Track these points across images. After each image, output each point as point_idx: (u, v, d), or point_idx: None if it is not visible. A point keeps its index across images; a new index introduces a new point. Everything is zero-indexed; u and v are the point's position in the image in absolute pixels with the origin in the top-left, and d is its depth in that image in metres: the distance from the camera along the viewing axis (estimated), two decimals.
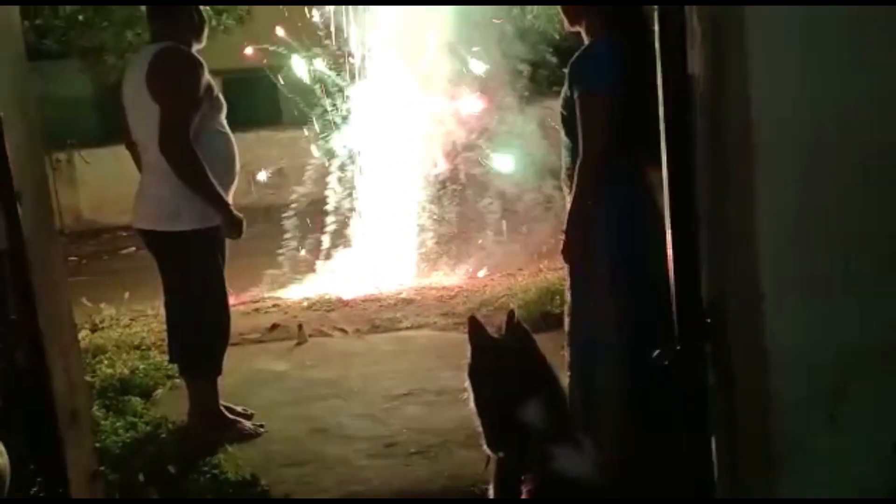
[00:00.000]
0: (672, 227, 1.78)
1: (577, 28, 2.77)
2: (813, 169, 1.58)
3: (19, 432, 2.27)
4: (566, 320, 2.82)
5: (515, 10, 6.98)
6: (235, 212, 3.40)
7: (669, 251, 1.80)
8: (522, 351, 2.23)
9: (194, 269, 3.42)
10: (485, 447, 2.23)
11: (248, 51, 7.58)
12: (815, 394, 1.63)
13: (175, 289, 3.51)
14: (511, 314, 2.30)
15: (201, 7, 3.54)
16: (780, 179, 1.58)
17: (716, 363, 1.83)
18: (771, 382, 1.64)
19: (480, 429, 2.23)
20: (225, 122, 3.46)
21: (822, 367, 1.62)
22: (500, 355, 2.23)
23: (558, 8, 2.92)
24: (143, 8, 3.64)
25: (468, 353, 2.27)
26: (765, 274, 1.62)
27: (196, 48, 3.43)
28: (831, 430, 1.64)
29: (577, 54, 2.69)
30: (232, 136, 3.48)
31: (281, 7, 7.43)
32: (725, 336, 1.80)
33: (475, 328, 2.27)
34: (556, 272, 5.26)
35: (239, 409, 3.72)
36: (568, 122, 2.70)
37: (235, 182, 3.49)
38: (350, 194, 6.90)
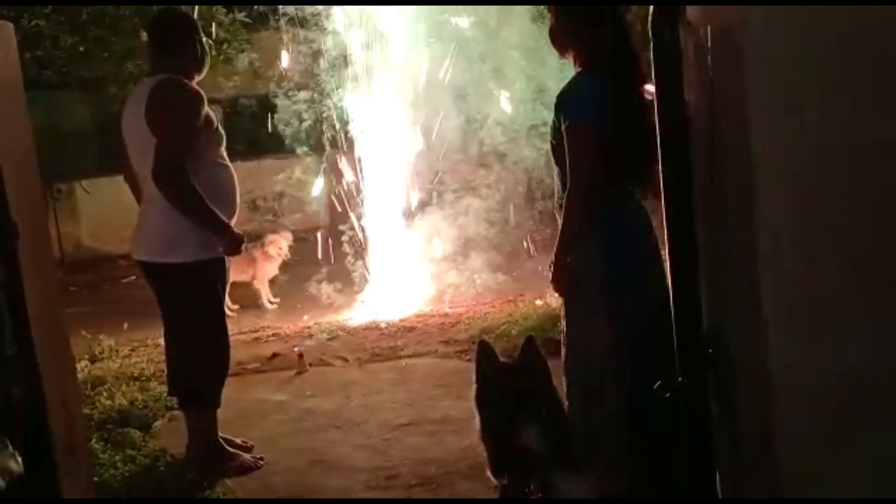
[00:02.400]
0: (670, 254, 1.77)
1: (567, 58, 2.80)
2: (814, 192, 1.57)
3: None
4: (563, 350, 2.80)
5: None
6: (236, 231, 3.41)
7: (668, 279, 1.78)
8: (530, 377, 2.21)
9: (193, 301, 3.40)
10: (489, 473, 2.21)
11: None
12: (820, 421, 1.60)
13: (174, 320, 3.49)
14: (530, 339, 2.28)
15: (203, 39, 3.56)
16: (780, 203, 1.57)
17: (718, 393, 1.81)
18: (775, 410, 1.62)
19: (485, 455, 2.21)
20: (225, 154, 3.46)
21: (828, 393, 1.60)
22: (507, 381, 2.20)
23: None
24: (145, 39, 3.64)
25: (474, 378, 2.24)
26: (766, 300, 1.60)
27: (197, 80, 3.44)
28: (837, 457, 1.61)
29: (565, 86, 2.72)
30: (232, 167, 3.48)
31: (283, 37, 7.47)
32: (728, 364, 1.77)
33: (484, 353, 2.24)
34: (558, 298, 5.24)
35: (238, 441, 3.68)
36: (557, 152, 2.72)
37: (236, 213, 3.49)
38: (350, 221, 6.92)
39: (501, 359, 2.32)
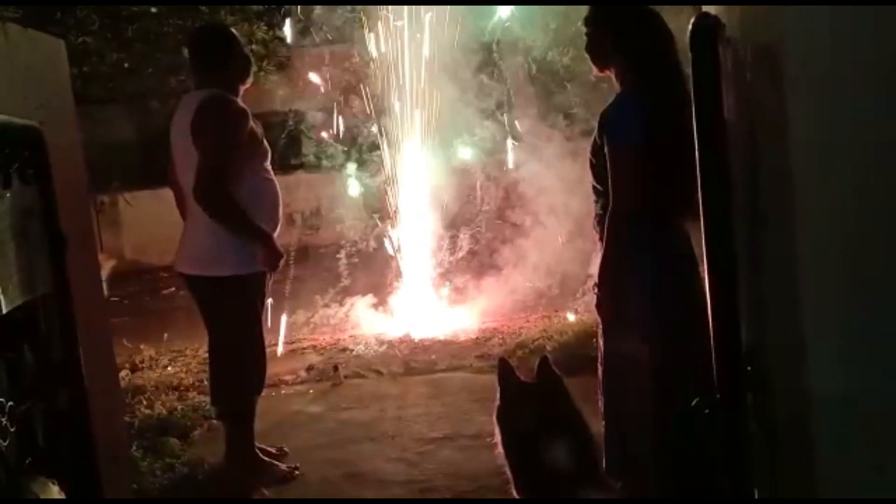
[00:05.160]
0: (709, 273, 1.76)
1: (607, 73, 2.73)
2: (855, 210, 1.55)
3: (59, 474, 2.29)
4: (599, 368, 2.78)
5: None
6: (278, 246, 3.44)
7: (707, 297, 1.77)
8: (551, 395, 2.22)
9: (233, 315, 3.44)
10: (513, 491, 2.21)
11: None
12: (861, 443, 1.58)
13: (214, 332, 3.54)
14: (545, 359, 2.29)
15: (245, 51, 3.61)
16: (822, 222, 1.56)
17: (757, 411, 1.79)
18: (814, 431, 1.60)
19: (509, 473, 2.21)
20: (269, 168, 3.51)
21: (869, 414, 1.57)
22: (528, 399, 2.22)
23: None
24: (187, 54, 3.71)
25: (497, 396, 2.27)
26: (807, 319, 1.58)
27: (241, 93, 3.49)
28: (879, 479, 1.58)
29: (609, 105, 2.64)
30: (276, 181, 3.52)
31: (321, 55, 7.57)
32: (767, 383, 1.76)
33: (504, 371, 2.27)
34: (594, 314, 5.21)
35: (273, 449, 3.73)
36: (597, 169, 2.67)
37: (279, 226, 3.53)
38: (386, 235, 6.97)
39: (521, 378, 2.33)
